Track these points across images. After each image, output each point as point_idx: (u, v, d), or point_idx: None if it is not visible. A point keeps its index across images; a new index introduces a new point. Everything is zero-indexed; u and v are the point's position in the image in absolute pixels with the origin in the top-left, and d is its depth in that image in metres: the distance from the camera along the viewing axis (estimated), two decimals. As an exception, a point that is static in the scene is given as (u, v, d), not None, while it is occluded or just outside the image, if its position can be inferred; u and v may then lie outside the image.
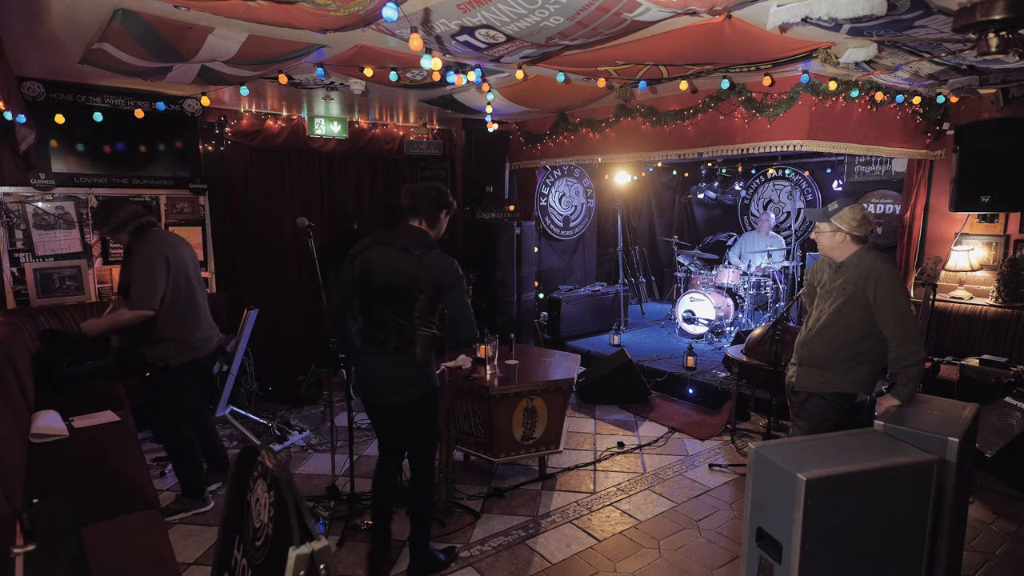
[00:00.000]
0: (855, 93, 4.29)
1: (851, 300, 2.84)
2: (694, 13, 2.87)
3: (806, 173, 8.14)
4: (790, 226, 7.81)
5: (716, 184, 8.81)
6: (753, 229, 7.79)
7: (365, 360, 2.75)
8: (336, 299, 2.80)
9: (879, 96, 4.41)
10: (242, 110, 5.79)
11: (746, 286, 6.80)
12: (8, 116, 3.44)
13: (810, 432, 2.95)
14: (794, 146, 4.43)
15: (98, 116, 4.89)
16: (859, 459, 1.95)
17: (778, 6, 2.76)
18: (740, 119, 4.63)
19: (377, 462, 2.97)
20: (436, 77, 3.93)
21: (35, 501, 1.77)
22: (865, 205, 6.29)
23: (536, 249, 7.29)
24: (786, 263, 6.90)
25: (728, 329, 6.80)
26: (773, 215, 7.87)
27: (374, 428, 2.98)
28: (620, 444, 4.60)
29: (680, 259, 7.75)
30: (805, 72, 3.99)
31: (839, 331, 2.88)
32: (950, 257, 5.02)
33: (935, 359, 4.48)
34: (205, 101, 4.78)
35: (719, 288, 6.97)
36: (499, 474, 4.08)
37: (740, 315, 6.85)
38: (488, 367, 3.91)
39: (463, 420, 3.90)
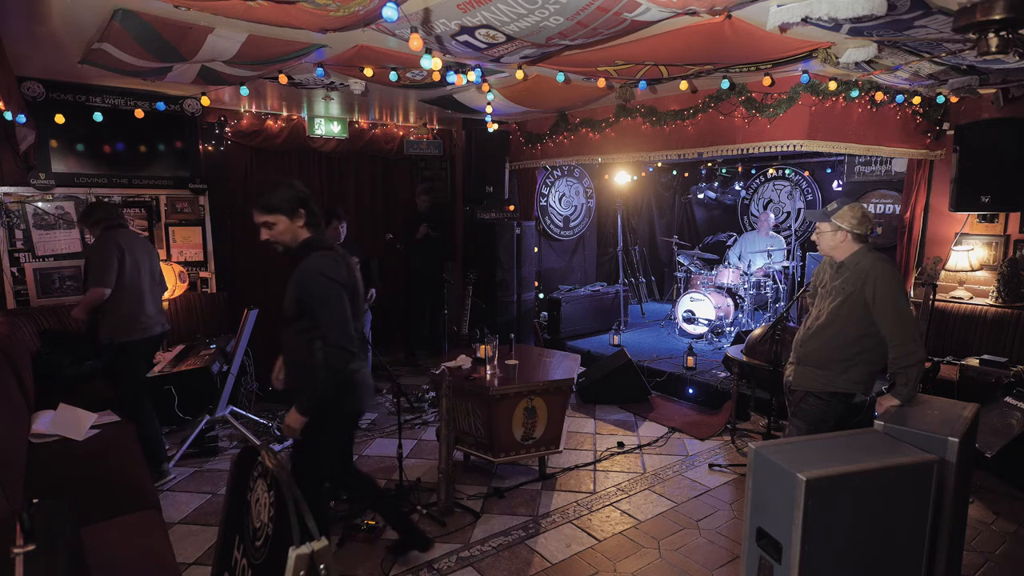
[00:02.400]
0: (855, 93, 4.29)
1: (849, 300, 2.84)
2: (694, 13, 2.87)
3: (806, 173, 8.14)
4: (790, 226, 7.81)
5: (716, 184, 8.81)
6: (753, 229, 7.79)
7: (365, 369, 2.73)
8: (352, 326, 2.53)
9: (879, 96, 4.41)
10: (242, 110, 5.79)
11: (746, 286, 6.80)
12: (8, 116, 3.43)
13: (808, 433, 2.95)
14: (794, 146, 4.43)
15: (98, 116, 4.89)
16: (859, 459, 1.95)
17: (778, 6, 2.77)
18: (740, 119, 4.63)
19: (351, 472, 2.93)
20: (436, 77, 3.93)
21: (35, 501, 1.77)
22: (865, 205, 6.28)
23: (536, 249, 7.29)
24: (786, 263, 6.90)
25: (728, 329, 6.80)
26: (772, 215, 7.87)
27: (343, 440, 2.86)
28: (620, 444, 4.60)
29: (680, 259, 7.75)
30: (805, 72, 3.99)
31: (837, 331, 2.88)
32: (950, 257, 5.02)
33: (935, 359, 4.48)
34: (205, 101, 4.78)
35: (719, 288, 6.97)
36: (499, 474, 4.08)
37: (740, 315, 6.85)
38: (488, 367, 3.91)
39: (463, 420, 3.90)
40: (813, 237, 3.06)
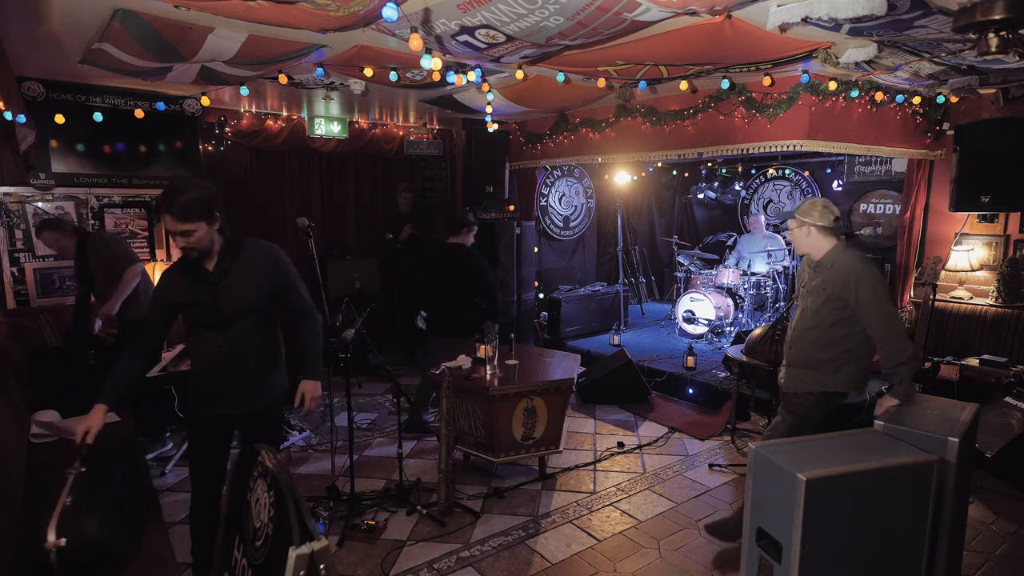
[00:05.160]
0: (855, 93, 4.29)
1: (829, 301, 2.86)
2: (694, 13, 2.87)
3: (806, 173, 8.14)
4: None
5: (716, 184, 8.80)
6: (749, 232, 7.80)
7: None
8: None
9: (879, 96, 4.41)
10: (242, 110, 5.79)
11: (746, 286, 6.80)
12: (8, 116, 3.43)
13: (793, 426, 2.98)
14: (794, 146, 4.43)
15: (98, 116, 4.89)
16: (859, 459, 1.95)
17: (778, 6, 2.77)
18: (740, 119, 4.63)
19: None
20: (436, 77, 3.93)
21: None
22: (864, 205, 6.29)
23: (536, 249, 7.28)
24: (786, 263, 6.91)
25: (728, 329, 6.80)
26: (763, 216, 7.87)
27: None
28: (620, 444, 4.60)
29: (680, 259, 7.75)
30: (805, 72, 3.99)
31: (821, 332, 2.90)
32: (950, 257, 5.02)
33: (935, 359, 4.48)
34: (205, 101, 4.78)
35: (719, 288, 6.97)
36: (499, 474, 4.08)
37: (740, 315, 6.85)
38: (488, 367, 3.91)
39: (463, 420, 3.90)
40: (789, 238, 3.09)
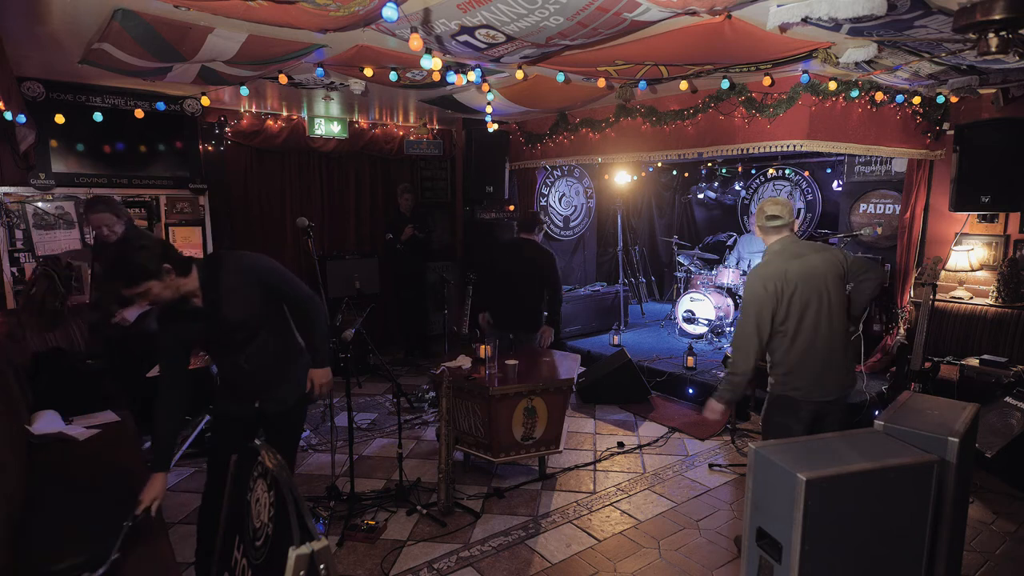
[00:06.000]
0: (855, 93, 4.29)
1: None
2: (694, 13, 2.87)
3: (806, 173, 8.13)
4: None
5: (716, 184, 8.81)
6: (749, 232, 7.80)
7: None
8: None
9: (879, 96, 4.41)
10: (242, 110, 5.79)
11: (746, 286, 6.80)
12: (8, 116, 3.43)
13: (762, 422, 3.06)
14: (794, 146, 4.43)
15: (98, 116, 4.89)
16: (859, 459, 1.95)
17: (778, 6, 2.77)
18: (740, 119, 4.63)
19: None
20: (436, 77, 3.93)
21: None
22: (864, 205, 6.30)
23: (536, 249, 7.28)
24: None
25: (728, 329, 6.80)
26: None
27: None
28: (620, 444, 4.60)
29: (680, 259, 7.75)
30: (805, 72, 3.99)
31: None
32: (950, 257, 5.02)
33: (935, 359, 4.48)
34: (205, 101, 4.78)
35: (719, 288, 6.97)
36: (499, 474, 4.08)
37: (740, 315, 6.85)
38: (488, 367, 3.91)
39: (463, 420, 3.90)
40: None
